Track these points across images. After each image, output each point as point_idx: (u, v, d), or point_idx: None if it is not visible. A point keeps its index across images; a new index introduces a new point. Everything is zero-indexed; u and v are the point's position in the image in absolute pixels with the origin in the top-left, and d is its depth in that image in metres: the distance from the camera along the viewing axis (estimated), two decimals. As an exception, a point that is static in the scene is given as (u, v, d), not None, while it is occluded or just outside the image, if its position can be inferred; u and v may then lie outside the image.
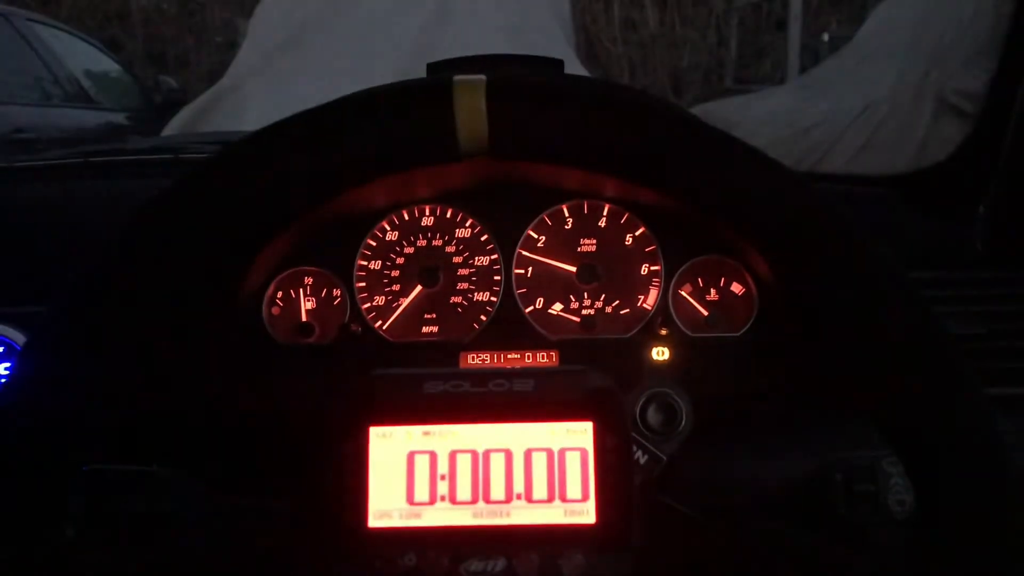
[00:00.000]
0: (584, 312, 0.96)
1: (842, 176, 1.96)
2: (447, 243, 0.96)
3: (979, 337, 0.99)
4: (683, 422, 0.74)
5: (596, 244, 0.96)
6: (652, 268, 0.95)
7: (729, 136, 0.58)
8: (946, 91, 2.71)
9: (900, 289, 0.55)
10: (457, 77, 0.58)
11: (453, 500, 0.63)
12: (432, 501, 0.63)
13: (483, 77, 0.58)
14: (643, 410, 0.75)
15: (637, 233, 0.95)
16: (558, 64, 0.92)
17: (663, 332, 0.94)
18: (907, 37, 3.24)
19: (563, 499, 0.62)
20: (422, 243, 0.96)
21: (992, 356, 0.98)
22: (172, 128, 3.40)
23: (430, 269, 0.96)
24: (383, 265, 0.96)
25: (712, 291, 0.95)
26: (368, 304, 0.96)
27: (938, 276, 1.02)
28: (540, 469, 0.63)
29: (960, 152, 1.26)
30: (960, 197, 1.14)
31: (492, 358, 0.94)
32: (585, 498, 0.62)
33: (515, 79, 0.59)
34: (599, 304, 0.96)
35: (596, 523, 0.62)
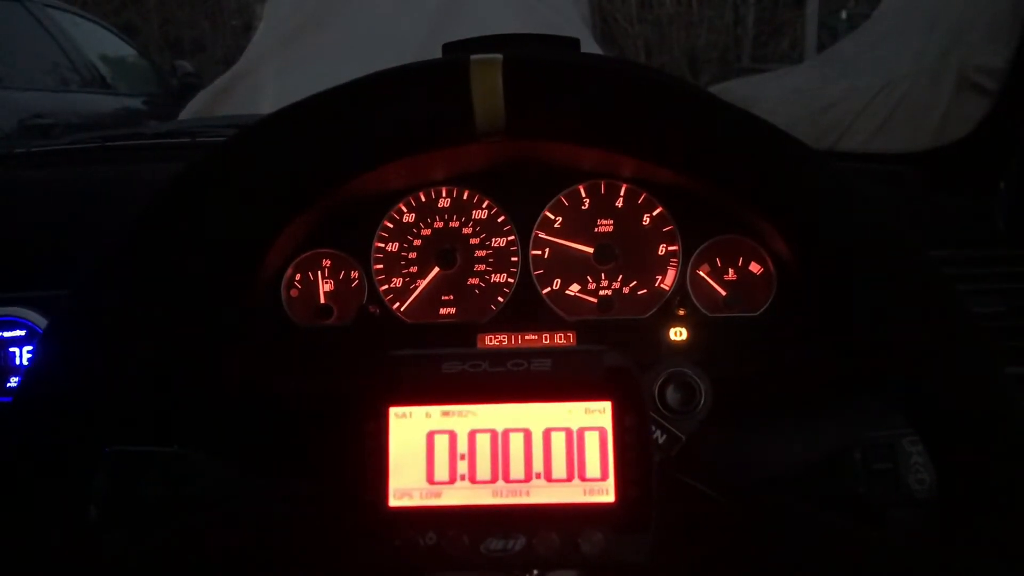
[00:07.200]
0: (601, 293, 0.96)
1: (861, 155, 1.95)
2: (464, 225, 0.96)
3: (999, 315, 0.99)
4: (702, 401, 0.74)
5: (613, 224, 0.96)
6: (670, 248, 0.95)
7: (750, 115, 0.57)
8: (967, 68, 2.68)
9: (925, 271, 0.55)
10: (473, 56, 0.57)
11: (473, 479, 0.63)
12: (452, 480, 0.63)
13: (499, 56, 0.57)
14: (662, 389, 0.74)
15: (654, 213, 0.95)
16: (574, 43, 0.91)
17: (681, 313, 0.93)
18: (927, 14, 3.20)
19: (582, 478, 0.62)
20: (439, 225, 0.96)
21: (1012, 334, 0.97)
22: (188, 112, 3.40)
23: (447, 251, 0.96)
24: (400, 247, 0.96)
25: (730, 271, 0.95)
26: (386, 286, 0.96)
27: (958, 254, 1.01)
28: (559, 448, 0.63)
29: (980, 129, 1.25)
30: (980, 175, 1.13)
31: (509, 339, 0.94)
32: (604, 477, 0.62)
33: (531, 57, 0.58)
34: (616, 285, 0.96)
35: (615, 502, 0.62)
